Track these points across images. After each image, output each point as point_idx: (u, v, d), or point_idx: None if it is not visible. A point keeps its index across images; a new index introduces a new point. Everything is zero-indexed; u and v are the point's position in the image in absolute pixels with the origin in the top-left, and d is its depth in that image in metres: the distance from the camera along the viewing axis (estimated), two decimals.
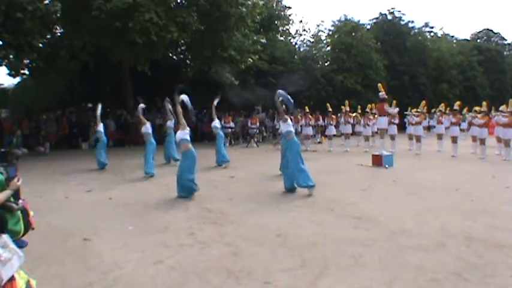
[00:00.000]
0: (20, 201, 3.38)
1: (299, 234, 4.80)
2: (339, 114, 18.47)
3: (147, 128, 9.81)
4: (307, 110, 17.74)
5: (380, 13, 31.61)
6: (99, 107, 10.98)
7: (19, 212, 3.36)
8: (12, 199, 3.20)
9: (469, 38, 41.67)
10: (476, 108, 14.55)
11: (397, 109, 14.77)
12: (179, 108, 7.42)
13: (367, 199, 6.71)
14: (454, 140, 13.11)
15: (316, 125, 18.80)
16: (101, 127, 10.96)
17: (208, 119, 21.14)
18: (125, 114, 18.70)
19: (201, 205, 6.37)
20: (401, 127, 16.92)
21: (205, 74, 19.77)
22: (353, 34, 27.62)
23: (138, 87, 19.19)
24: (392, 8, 31.67)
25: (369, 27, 30.83)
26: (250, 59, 18.78)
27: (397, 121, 15.26)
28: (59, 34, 16.62)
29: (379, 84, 12.19)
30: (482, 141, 12.46)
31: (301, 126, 17.26)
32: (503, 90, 35.72)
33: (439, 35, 35.10)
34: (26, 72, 16.30)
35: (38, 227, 3.89)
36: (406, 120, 16.42)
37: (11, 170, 3.18)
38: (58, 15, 13.85)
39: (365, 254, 4.10)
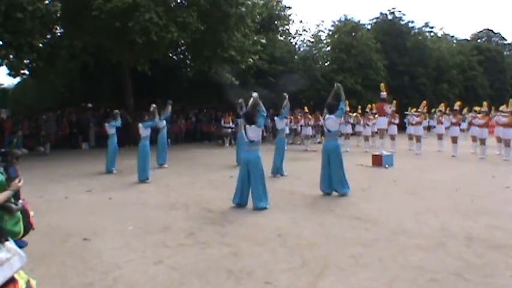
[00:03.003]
0: (20, 201, 3.38)
1: (299, 234, 4.79)
2: None
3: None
4: (307, 110, 17.72)
5: (380, 13, 31.65)
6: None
7: (19, 213, 3.36)
8: (12, 199, 3.21)
9: (469, 38, 41.72)
10: (476, 108, 14.54)
11: (392, 108, 14.66)
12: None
13: (367, 199, 6.71)
14: (454, 140, 13.10)
15: (316, 125, 18.75)
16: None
17: (208, 119, 21.16)
18: (125, 114, 18.68)
19: (201, 205, 6.37)
20: (402, 127, 16.90)
21: (205, 74, 19.75)
22: (353, 34, 27.58)
23: (138, 87, 19.17)
24: (393, 8, 31.76)
25: (369, 27, 30.80)
26: (250, 59, 18.75)
27: (397, 121, 15.26)
28: (59, 34, 16.61)
29: (382, 84, 12.10)
30: (483, 141, 12.45)
31: (300, 126, 17.25)
32: (503, 90, 35.75)
33: (439, 35, 35.04)
34: (26, 72, 16.29)
35: (38, 227, 3.90)
36: (406, 120, 16.41)
37: (12, 171, 3.19)
38: (58, 15, 13.86)
39: (365, 254, 4.10)
